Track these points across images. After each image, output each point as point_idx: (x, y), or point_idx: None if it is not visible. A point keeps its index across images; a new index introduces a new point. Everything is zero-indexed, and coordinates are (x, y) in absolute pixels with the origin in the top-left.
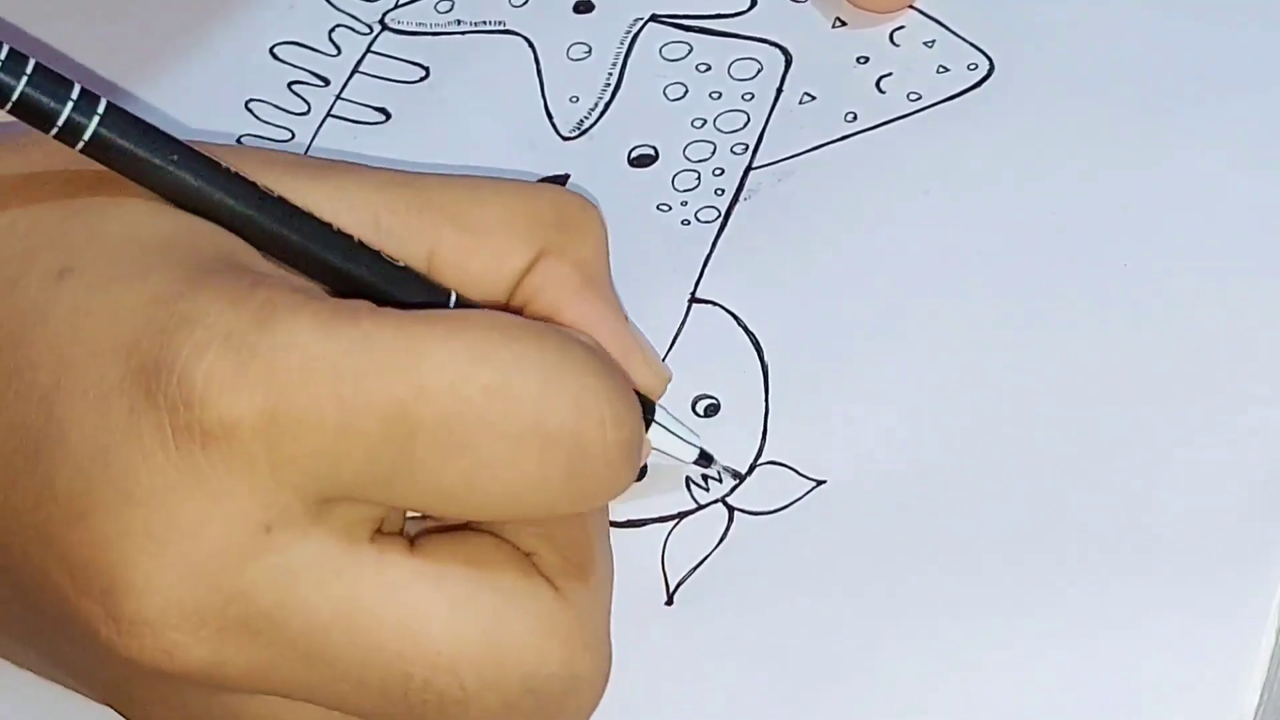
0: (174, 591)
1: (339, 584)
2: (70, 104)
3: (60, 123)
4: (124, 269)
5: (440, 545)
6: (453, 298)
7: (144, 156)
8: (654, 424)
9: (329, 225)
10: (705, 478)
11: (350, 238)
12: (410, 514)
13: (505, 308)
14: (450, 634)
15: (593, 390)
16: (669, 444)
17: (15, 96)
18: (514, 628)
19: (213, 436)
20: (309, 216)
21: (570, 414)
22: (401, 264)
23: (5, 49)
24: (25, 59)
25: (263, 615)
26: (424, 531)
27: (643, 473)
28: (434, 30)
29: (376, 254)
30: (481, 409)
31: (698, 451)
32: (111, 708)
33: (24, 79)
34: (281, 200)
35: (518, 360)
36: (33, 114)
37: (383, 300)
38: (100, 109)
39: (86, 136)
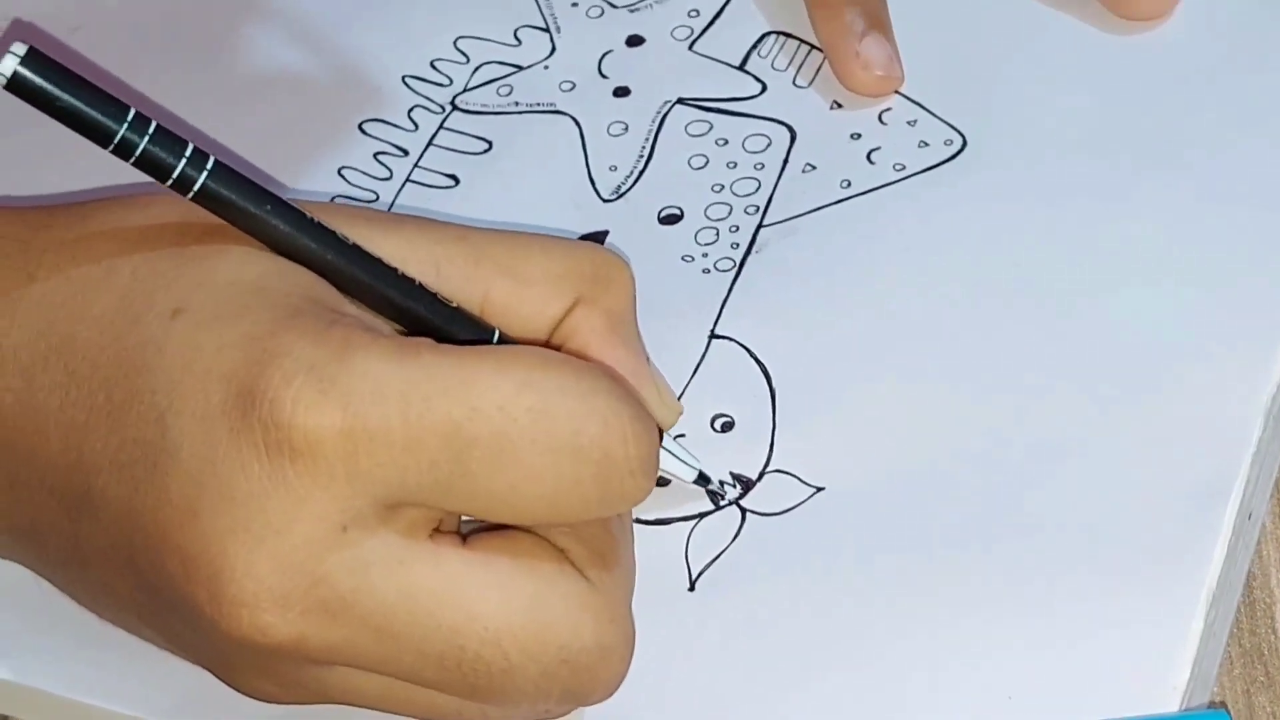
0: (267, 579)
1: (403, 572)
2: (184, 160)
3: (175, 175)
4: (225, 309)
5: (487, 540)
6: (496, 335)
7: (243, 206)
8: (662, 449)
9: (396, 270)
10: (722, 484)
11: (414, 281)
12: (463, 517)
13: (545, 346)
14: (496, 613)
15: (617, 413)
16: (674, 466)
17: (139, 151)
18: (551, 607)
19: (299, 451)
20: (379, 261)
21: (599, 432)
22: (455, 305)
23: (132, 112)
24: (148, 120)
25: (339, 599)
26: (474, 530)
27: (668, 481)
28: (496, 110)
29: (435, 296)
30: (526, 427)
31: (697, 473)
32: (216, 676)
33: (147, 137)
34: (356, 247)
35: (556, 387)
36: (152, 166)
37: (438, 335)
38: (209, 164)
39: (196, 187)
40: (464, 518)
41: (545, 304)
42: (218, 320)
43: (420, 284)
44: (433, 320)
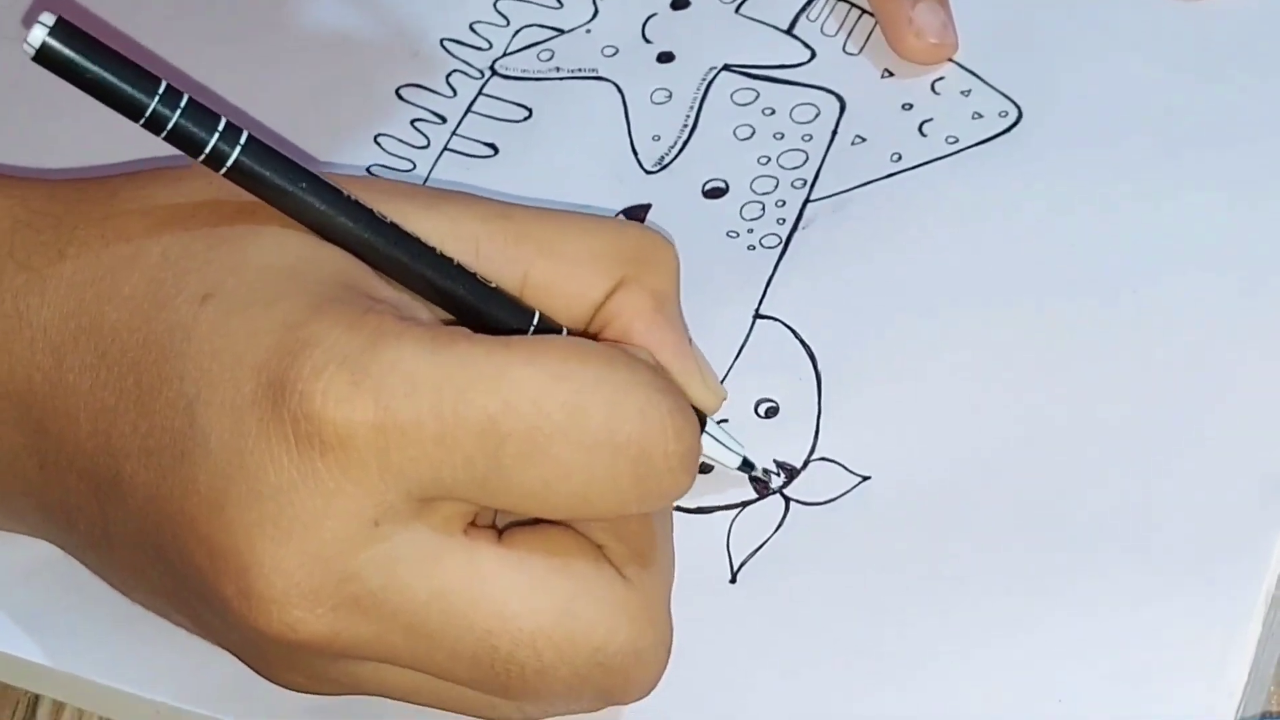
0: (296, 575)
1: (435, 569)
2: (217, 134)
3: (208, 150)
4: (257, 295)
5: (523, 537)
6: (536, 317)
7: (277, 183)
8: (705, 434)
9: (434, 250)
10: (766, 471)
11: (452, 261)
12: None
13: (585, 330)
14: (530, 612)
15: (656, 406)
16: (717, 452)
17: (170, 125)
18: (585, 607)
19: (329, 445)
20: (416, 241)
21: (636, 427)
22: (494, 285)
23: (164, 84)
24: (180, 94)
25: (370, 595)
26: (510, 526)
27: (710, 468)
28: (536, 76)
29: (473, 276)
30: (560, 422)
31: (741, 459)
32: (247, 665)
33: (179, 111)
34: (394, 226)
35: (591, 380)
36: (184, 141)
37: (478, 317)
38: (242, 139)
39: (229, 162)
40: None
41: (588, 285)
42: (249, 307)
43: (459, 264)
44: (471, 302)
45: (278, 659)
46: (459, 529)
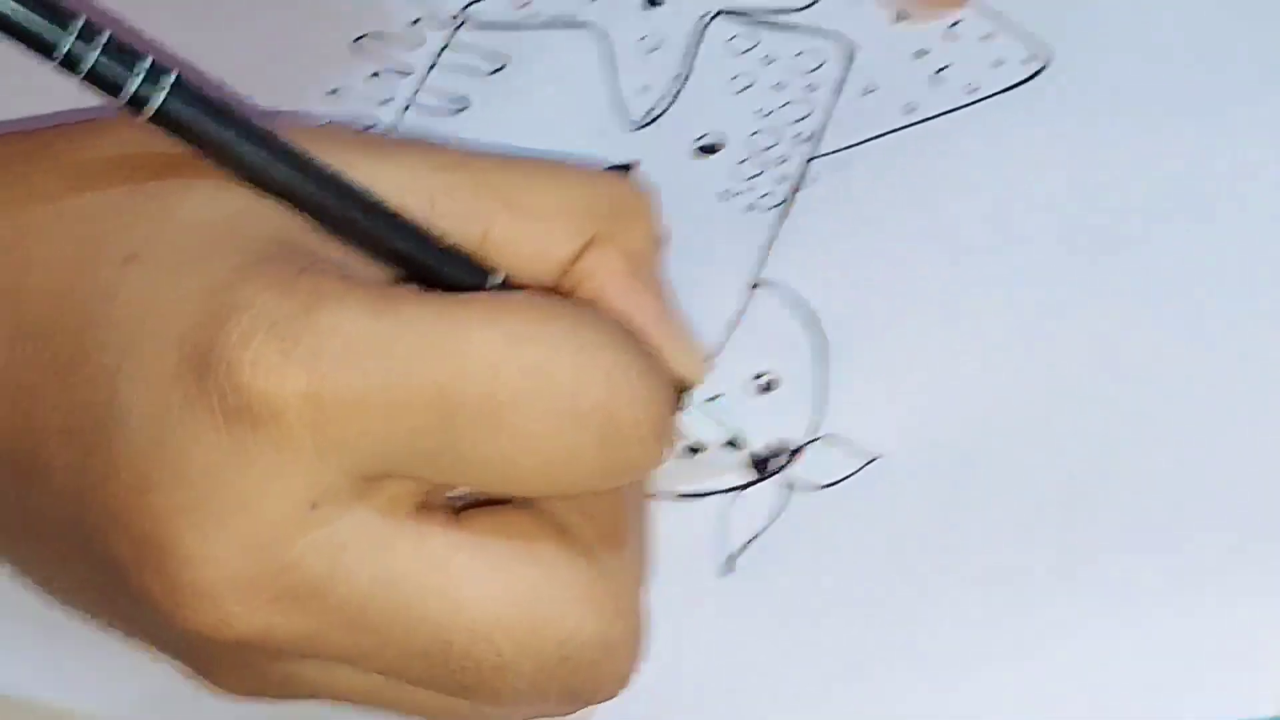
0: (227, 565)
1: (382, 555)
2: (141, 75)
3: (129, 92)
4: (184, 256)
5: (480, 519)
6: (501, 277)
7: (207, 129)
8: (689, 409)
9: (382, 203)
10: (763, 453)
11: (399, 216)
12: (451, 491)
13: (554, 292)
14: (487, 603)
15: (624, 369)
16: (703, 429)
17: (89, 66)
18: (549, 596)
19: (260, 419)
20: (362, 193)
21: (602, 392)
22: (451, 243)
23: (82, 18)
24: (100, 29)
25: (310, 585)
26: (465, 506)
27: (702, 449)
28: (510, 24)
29: (427, 233)
30: (518, 388)
31: (729, 436)
32: (184, 669)
33: (98, 48)
34: (337, 177)
35: (553, 341)
36: (103, 83)
37: (433, 278)
38: (169, 80)
39: (154, 106)
40: (452, 492)
41: (554, 242)
42: (175, 269)
43: (411, 220)
44: (425, 261)
45: (213, 659)
46: (407, 511)
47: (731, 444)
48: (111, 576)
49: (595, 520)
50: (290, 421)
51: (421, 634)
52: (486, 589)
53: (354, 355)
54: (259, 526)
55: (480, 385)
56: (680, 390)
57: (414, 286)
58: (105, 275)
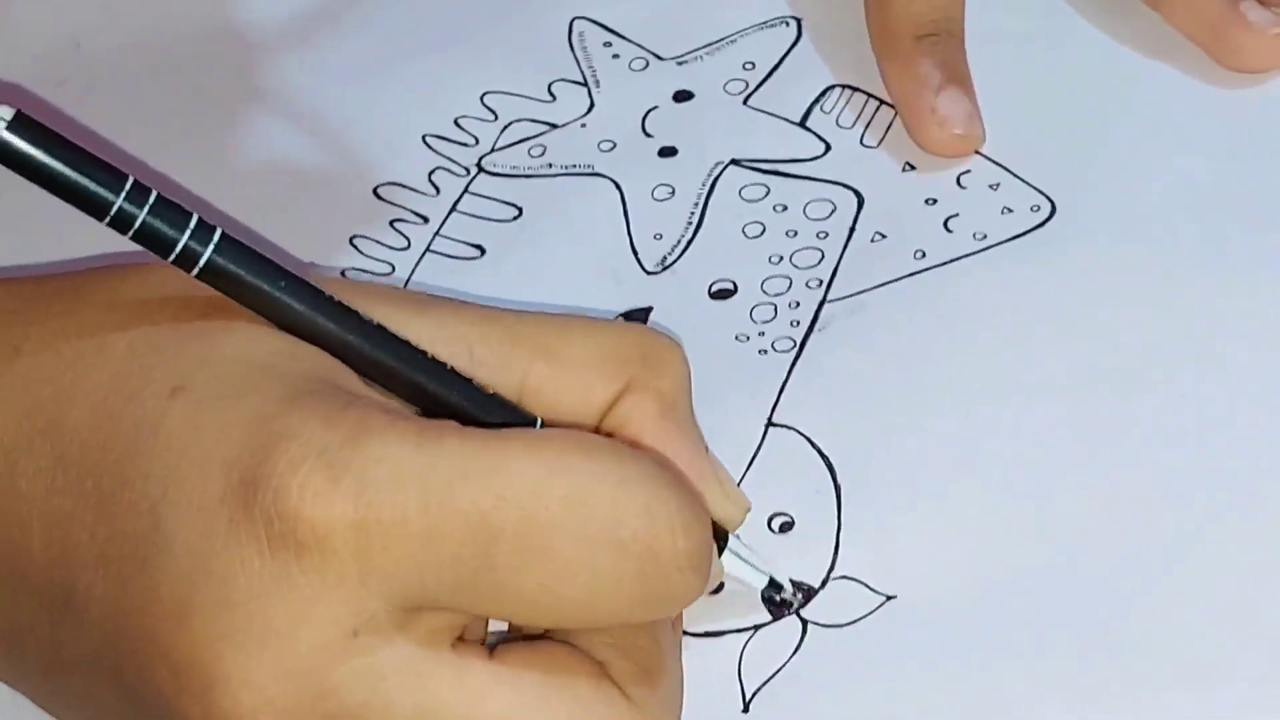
0: (267, 690)
1: (421, 687)
2: (188, 233)
3: (178, 250)
4: (230, 388)
5: (517, 653)
6: (539, 424)
7: (253, 283)
8: (728, 551)
9: (424, 352)
10: (790, 591)
11: (444, 365)
12: (492, 626)
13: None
14: None
15: (663, 501)
16: (742, 572)
17: (138, 225)
18: None
19: (305, 546)
20: (405, 343)
21: (642, 522)
22: (491, 391)
23: (130, 180)
24: (148, 190)
25: (348, 713)
26: (502, 641)
27: (720, 587)
28: (527, 173)
29: (468, 381)
30: (559, 516)
31: (768, 579)
32: None
33: (146, 208)
34: (380, 327)
35: (593, 472)
36: (153, 241)
37: (472, 424)
38: (215, 238)
39: (201, 263)
40: (491, 626)
41: (590, 389)
42: (220, 400)
43: (452, 368)
44: (468, 409)
45: None
46: (447, 643)
47: (773, 585)
48: (146, 707)
49: (631, 657)
50: (336, 548)
51: None
52: None
53: (399, 483)
54: (300, 652)
55: (520, 512)
56: (718, 533)
57: (454, 423)
58: (151, 407)
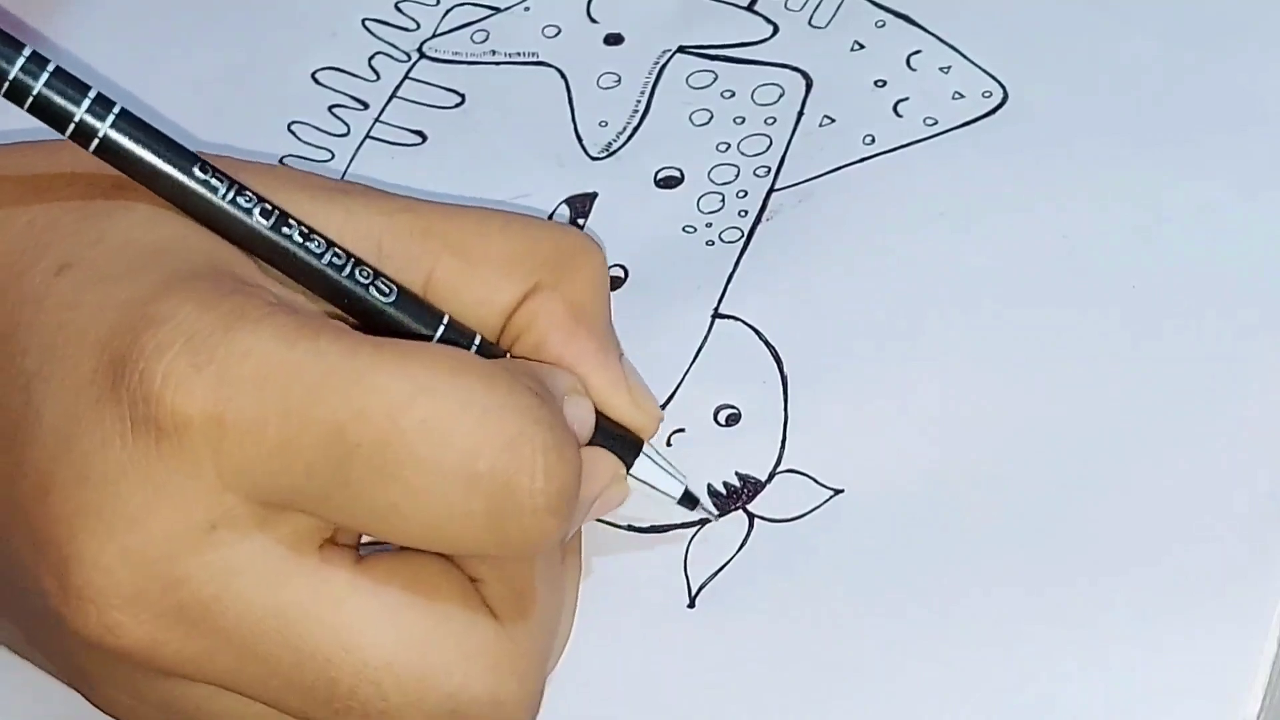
0: (116, 573)
1: (277, 586)
2: (84, 106)
3: (74, 124)
4: (115, 268)
5: (385, 563)
6: (445, 319)
7: (152, 163)
8: (643, 457)
9: (327, 241)
10: (726, 485)
11: (346, 254)
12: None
13: (497, 341)
14: (378, 647)
15: (529, 437)
16: (657, 479)
17: (33, 95)
18: (442, 649)
19: (165, 432)
20: (307, 231)
21: (502, 458)
22: (396, 284)
23: (28, 50)
24: (45, 61)
25: (199, 606)
26: (376, 549)
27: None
28: (469, 59)
29: (374, 272)
30: (414, 442)
31: (683, 489)
32: (74, 689)
33: (42, 80)
34: (283, 214)
35: (459, 397)
36: (49, 115)
37: (375, 317)
38: (113, 113)
39: (98, 139)
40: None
41: (496, 289)
42: (104, 280)
43: (355, 259)
44: (369, 301)
45: (98, 671)
46: (312, 546)
47: (688, 497)
48: (15, 579)
49: (508, 580)
50: (193, 438)
51: (309, 669)
52: (379, 633)
53: (263, 381)
54: (152, 539)
55: (377, 432)
56: (631, 442)
57: (339, 323)
58: (37, 282)
